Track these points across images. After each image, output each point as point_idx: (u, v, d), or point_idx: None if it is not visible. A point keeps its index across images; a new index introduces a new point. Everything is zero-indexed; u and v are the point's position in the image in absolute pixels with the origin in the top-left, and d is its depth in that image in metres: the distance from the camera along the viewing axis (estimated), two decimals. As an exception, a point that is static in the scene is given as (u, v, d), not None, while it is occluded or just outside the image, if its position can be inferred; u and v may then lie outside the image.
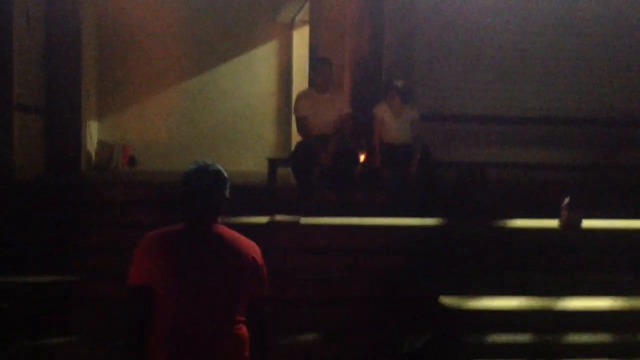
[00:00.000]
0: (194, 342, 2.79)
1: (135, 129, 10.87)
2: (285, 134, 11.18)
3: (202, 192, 2.95)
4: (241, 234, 3.03)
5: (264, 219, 6.31)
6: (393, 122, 7.12)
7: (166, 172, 9.16)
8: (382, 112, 7.16)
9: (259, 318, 3.00)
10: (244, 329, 2.93)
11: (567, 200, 6.55)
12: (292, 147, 7.73)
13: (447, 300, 5.55)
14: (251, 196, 6.92)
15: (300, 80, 10.78)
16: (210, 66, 11.23)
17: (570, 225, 6.46)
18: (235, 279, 2.88)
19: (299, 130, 6.89)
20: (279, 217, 6.36)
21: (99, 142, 10.24)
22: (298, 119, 6.88)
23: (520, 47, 7.96)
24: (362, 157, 7.33)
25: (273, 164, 7.17)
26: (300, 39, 11.09)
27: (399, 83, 7.16)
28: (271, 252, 5.92)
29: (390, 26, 7.74)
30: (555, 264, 6.27)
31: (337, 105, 6.80)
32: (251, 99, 11.31)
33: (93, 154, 9.93)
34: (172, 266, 2.81)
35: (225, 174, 3.05)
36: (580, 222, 6.48)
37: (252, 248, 2.99)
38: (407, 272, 6.09)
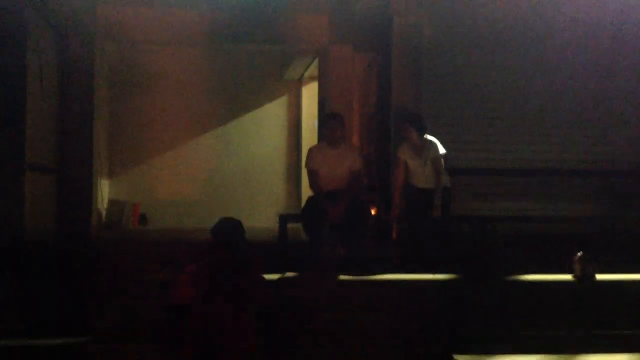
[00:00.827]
0: (214, 340, 4.07)
1: (146, 186, 10.91)
2: (295, 189, 11.20)
3: (225, 239, 4.36)
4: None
5: (275, 276, 6.28)
6: (414, 162, 6.89)
7: (177, 230, 9.15)
8: (403, 153, 6.96)
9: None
10: (248, 333, 4.20)
11: (580, 253, 6.49)
12: (302, 203, 7.73)
13: (462, 358, 5.44)
14: (262, 252, 6.88)
15: (309, 136, 10.86)
16: (220, 123, 11.34)
17: (585, 279, 6.39)
18: (244, 301, 4.20)
19: (311, 184, 6.90)
20: (289, 274, 6.33)
21: (110, 201, 10.28)
22: (310, 173, 6.89)
23: (530, 100, 8.01)
24: (373, 211, 7.30)
25: (284, 219, 7.15)
26: (309, 95, 11.22)
27: (412, 114, 6.95)
28: (282, 309, 5.93)
29: (397, 81, 7.82)
30: (571, 318, 6.16)
31: (349, 160, 6.80)
32: (261, 154, 11.37)
33: (103, 213, 9.95)
34: (205, 291, 4.10)
35: (242, 226, 4.43)
36: (594, 275, 6.40)
37: (260, 280, 4.44)
38: (421, 329, 6.00)
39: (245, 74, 11.31)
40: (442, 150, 6.86)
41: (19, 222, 7.07)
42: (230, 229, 4.43)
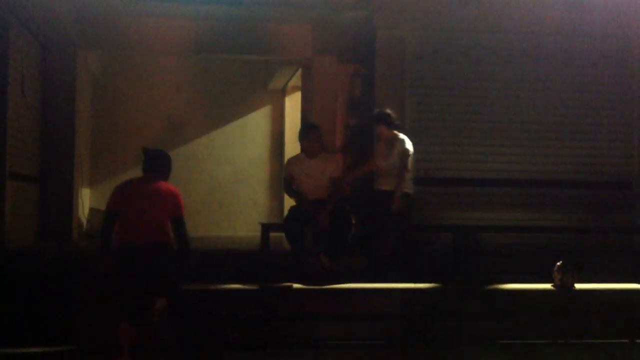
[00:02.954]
0: (139, 233, 5.22)
1: (128, 195, 10.86)
2: (278, 199, 11.20)
3: (151, 163, 5.51)
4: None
5: (257, 285, 6.29)
6: (381, 157, 6.90)
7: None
8: (377, 148, 7.04)
9: (179, 228, 5.37)
10: (166, 228, 5.33)
11: (560, 262, 6.56)
12: (285, 212, 7.75)
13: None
14: (244, 261, 6.90)
15: (292, 146, 10.87)
16: (203, 132, 11.34)
17: (564, 288, 6.46)
18: (161, 205, 5.32)
19: (287, 191, 6.97)
20: (272, 284, 6.34)
21: (91, 210, 10.22)
22: (284, 180, 6.98)
23: (513, 111, 8.08)
24: (354, 221, 7.32)
25: (266, 229, 7.16)
26: (292, 105, 11.25)
27: (380, 112, 7.00)
28: (264, 319, 5.95)
29: (381, 92, 7.86)
30: (550, 327, 6.23)
31: (328, 168, 6.85)
32: (244, 164, 11.38)
33: (84, 222, 9.90)
34: (131, 197, 5.31)
35: (168, 157, 5.62)
36: (573, 284, 6.48)
37: (174, 192, 5.44)
38: (401, 337, 6.04)
39: (228, 84, 11.32)
40: (410, 148, 6.83)
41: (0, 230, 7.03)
42: (158, 154, 5.58)
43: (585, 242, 7.60)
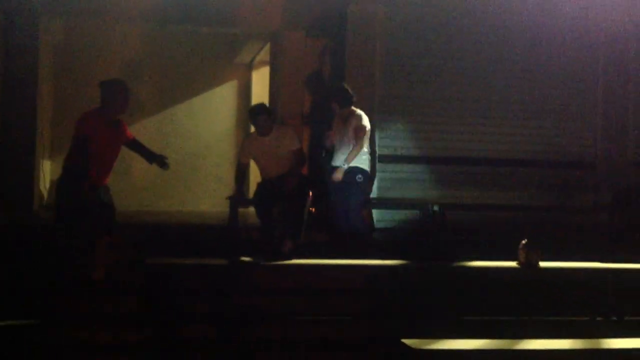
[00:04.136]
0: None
1: (90, 168, 10.67)
2: (244, 173, 11.13)
3: (104, 92, 6.15)
4: None
5: (225, 260, 6.24)
6: (337, 135, 6.87)
7: (120, 213, 8.96)
8: (334, 125, 6.98)
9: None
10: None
11: (525, 241, 6.65)
12: (251, 186, 7.70)
13: (410, 342, 5.52)
14: (211, 236, 6.84)
15: (258, 121, 10.79)
16: (168, 106, 11.17)
17: (529, 266, 6.55)
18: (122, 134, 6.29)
19: (236, 176, 6.93)
20: (240, 258, 6.31)
21: (52, 182, 10.02)
22: (237, 164, 6.96)
23: (483, 90, 8.14)
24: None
25: (235, 203, 7.09)
26: (259, 79, 11.15)
27: (334, 88, 6.96)
28: (233, 294, 5.91)
29: (351, 67, 7.83)
30: (514, 304, 6.32)
31: (286, 142, 6.75)
32: (210, 139, 11.26)
33: (45, 194, 9.70)
34: (99, 125, 6.04)
35: (107, 84, 6.19)
36: (538, 262, 6.58)
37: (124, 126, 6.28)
38: (369, 313, 6.06)
39: (195, 56, 11.14)
40: (366, 125, 6.80)
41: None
42: (109, 84, 6.16)
43: (549, 221, 7.72)
